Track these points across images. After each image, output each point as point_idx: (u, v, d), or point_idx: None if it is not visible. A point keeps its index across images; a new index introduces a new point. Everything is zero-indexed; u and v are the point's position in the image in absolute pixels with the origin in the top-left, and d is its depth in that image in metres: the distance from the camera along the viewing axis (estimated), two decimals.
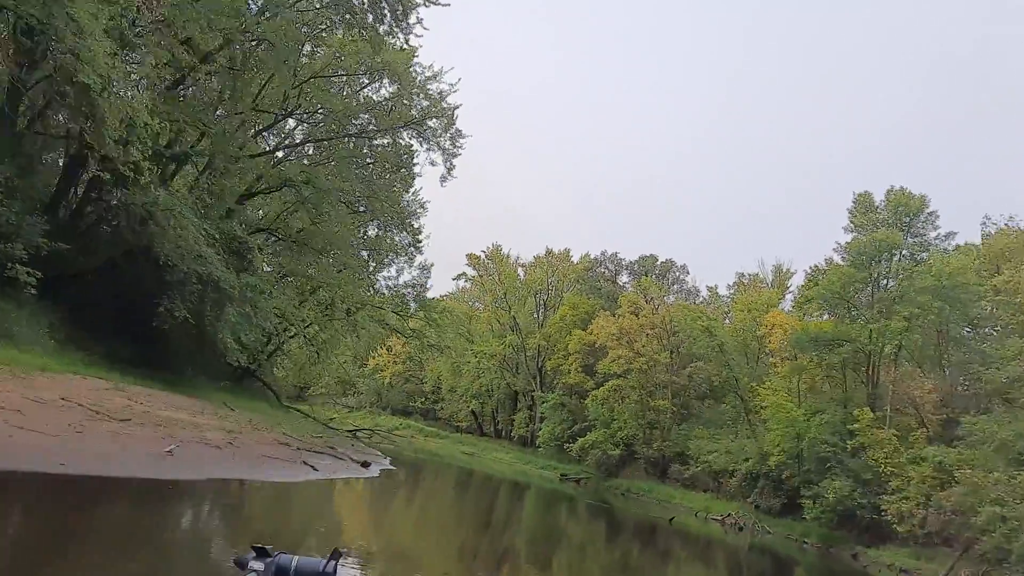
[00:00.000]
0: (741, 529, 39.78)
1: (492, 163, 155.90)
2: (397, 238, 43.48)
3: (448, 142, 33.96)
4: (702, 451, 49.74)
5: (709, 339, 46.22)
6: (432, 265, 49.81)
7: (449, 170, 34.85)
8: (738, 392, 45.94)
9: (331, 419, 52.82)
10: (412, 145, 34.93)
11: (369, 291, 41.01)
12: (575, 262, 70.83)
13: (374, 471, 27.54)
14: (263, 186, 32.20)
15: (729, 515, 41.86)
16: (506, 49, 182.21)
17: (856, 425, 36.45)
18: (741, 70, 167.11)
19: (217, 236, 24.94)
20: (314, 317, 38.18)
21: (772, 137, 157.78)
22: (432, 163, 35.28)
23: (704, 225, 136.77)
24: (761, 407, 45.32)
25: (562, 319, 64.63)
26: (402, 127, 32.91)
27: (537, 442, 64.31)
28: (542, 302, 72.37)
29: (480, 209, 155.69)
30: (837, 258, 43.32)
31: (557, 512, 39.19)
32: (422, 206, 47.11)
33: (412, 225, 43.54)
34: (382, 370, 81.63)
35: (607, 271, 67.26)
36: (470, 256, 70.59)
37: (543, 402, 64.18)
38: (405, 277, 48.18)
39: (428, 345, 45.06)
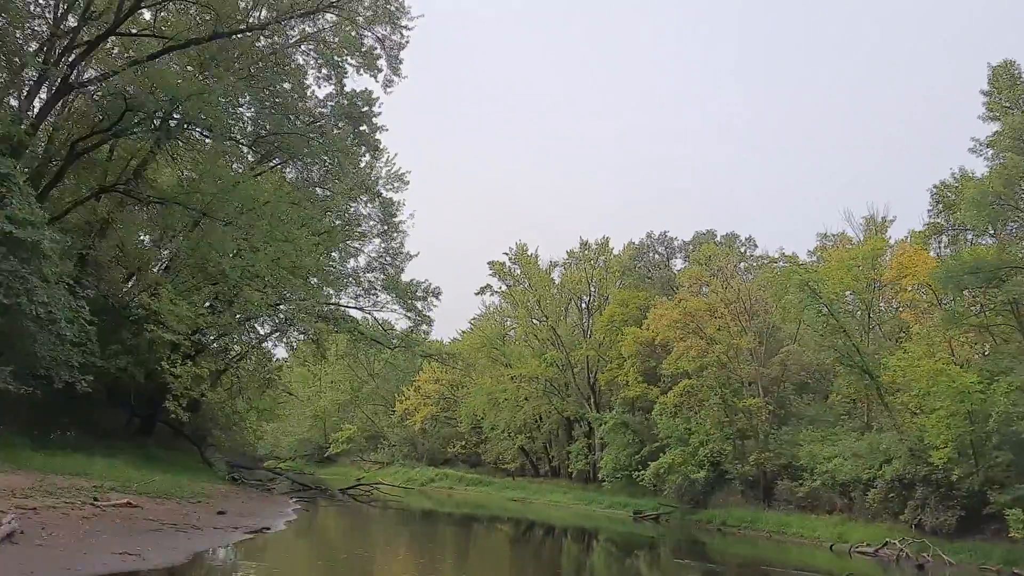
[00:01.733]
0: (921, 568, 26.48)
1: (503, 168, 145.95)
2: (364, 210, 32.67)
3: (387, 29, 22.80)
4: (817, 459, 36.77)
5: (813, 301, 33.36)
6: (416, 254, 38.18)
7: (395, 70, 23.63)
8: (863, 368, 32.82)
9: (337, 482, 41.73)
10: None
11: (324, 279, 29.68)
12: (617, 253, 58.74)
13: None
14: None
15: (886, 543, 28.71)
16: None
17: None
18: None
19: None
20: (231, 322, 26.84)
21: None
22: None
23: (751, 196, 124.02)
24: (896, 387, 32.42)
25: (610, 320, 52.40)
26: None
27: (600, 475, 51.70)
28: (585, 306, 60.19)
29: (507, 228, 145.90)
30: (978, 166, 30.81)
31: (635, 567, 27.01)
32: (400, 178, 36.17)
33: (380, 194, 32.57)
34: (411, 415, 69.94)
35: (658, 255, 55.06)
36: (493, 264, 59.17)
37: (600, 424, 51.71)
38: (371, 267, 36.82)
39: (423, 354, 33.21)
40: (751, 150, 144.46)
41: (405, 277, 37.27)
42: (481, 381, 62.20)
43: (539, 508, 49.38)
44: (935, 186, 32.92)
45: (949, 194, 32.29)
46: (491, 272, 59.32)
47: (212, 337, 27.50)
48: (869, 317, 39.51)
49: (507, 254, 58.81)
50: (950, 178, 32.84)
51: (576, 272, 59.47)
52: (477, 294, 59.74)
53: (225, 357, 31.98)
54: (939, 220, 33.34)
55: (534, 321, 61.03)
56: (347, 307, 35.67)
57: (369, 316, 36.18)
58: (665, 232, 55.42)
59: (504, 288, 60.20)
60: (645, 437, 49.53)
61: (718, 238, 54.67)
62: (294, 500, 30.56)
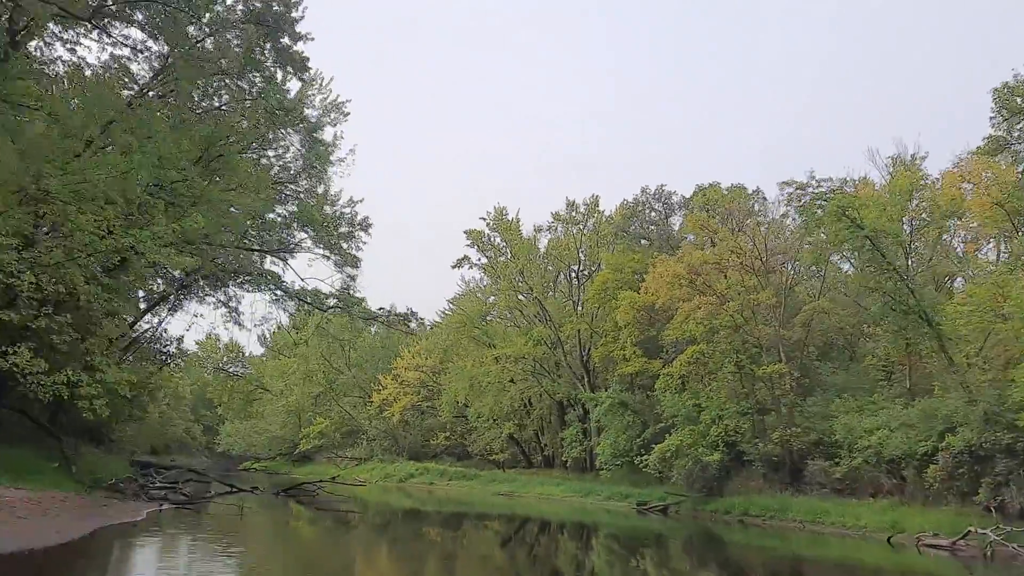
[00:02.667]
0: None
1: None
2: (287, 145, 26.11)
3: None
4: (856, 432, 30.62)
5: (854, 233, 26.80)
6: (361, 200, 31.01)
7: None
8: (920, 314, 26.33)
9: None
10: None
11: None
12: (609, 214, 52.35)
13: None
14: None
15: (968, 532, 22.46)
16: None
17: None
18: None
19: None
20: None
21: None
22: None
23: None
24: (960, 338, 26.21)
25: (603, 288, 46.03)
26: None
27: (597, 463, 45.49)
28: (574, 276, 53.84)
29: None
30: None
31: (642, 570, 20.95)
32: (338, 108, 29.60)
33: (305, 118, 26.15)
34: (389, 405, 63.56)
35: (655, 212, 48.64)
36: (470, 233, 52.69)
37: (596, 406, 45.45)
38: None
39: (365, 316, 26.99)
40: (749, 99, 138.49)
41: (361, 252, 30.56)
42: (462, 364, 55.87)
43: (529, 502, 43.16)
44: (996, 89, 26.60)
45: (1017, 99, 26.02)
46: (468, 242, 52.96)
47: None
48: (908, 262, 33.19)
49: (484, 219, 52.43)
50: (1013, 79, 26.57)
51: (563, 238, 53.08)
52: (454, 267, 53.24)
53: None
54: (1003, 133, 27.00)
55: (519, 296, 54.68)
56: (251, 249, 27.51)
57: (281, 262, 28.30)
58: (662, 186, 48.97)
59: (484, 260, 53.75)
60: (647, 417, 43.33)
61: (724, 191, 48.14)
62: (165, 507, 23.74)
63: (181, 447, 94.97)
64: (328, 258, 28.24)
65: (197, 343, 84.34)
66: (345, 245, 28.69)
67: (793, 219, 39.53)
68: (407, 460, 61.00)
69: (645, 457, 37.96)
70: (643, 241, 49.55)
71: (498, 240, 52.89)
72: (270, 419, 75.02)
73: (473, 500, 44.60)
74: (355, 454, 66.02)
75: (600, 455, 44.16)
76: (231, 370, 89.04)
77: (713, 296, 34.38)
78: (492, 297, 59.09)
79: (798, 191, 27.70)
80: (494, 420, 56.41)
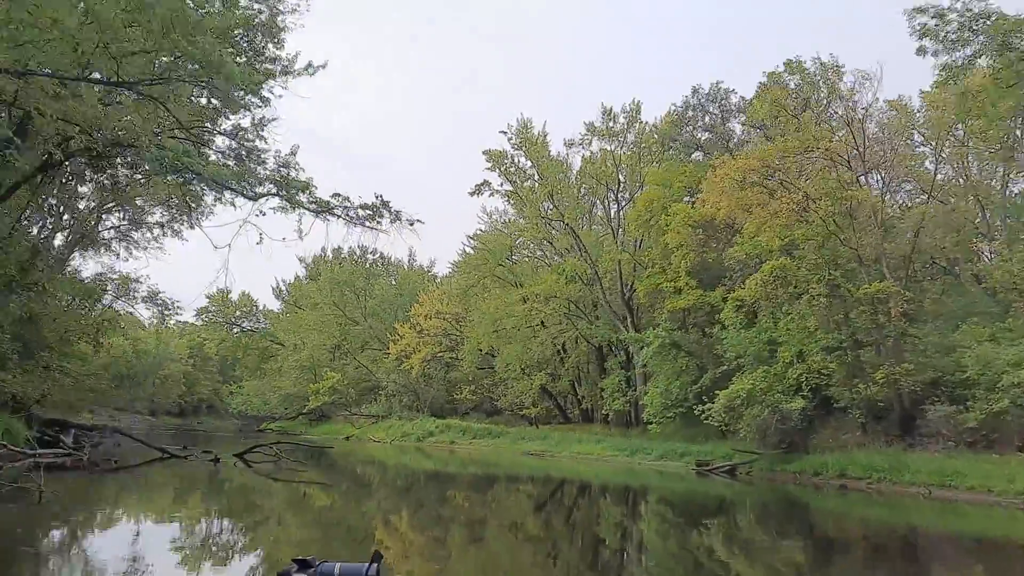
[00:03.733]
0: None
1: None
2: None
3: None
4: (995, 367, 22.92)
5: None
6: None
7: None
8: None
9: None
10: None
11: None
12: (654, 123, 44.27)
13: None
14: None
15: None
16: None
17: None
18: None
19: None
20: None
21: None
22: None
23: None
24: None
25: (648, 208, 38.32)
26: None
27: (644, 417, 38.26)
28: (613, 198, 46.04)
29: None
30: None
31: (707, 547, 13.78)
32: None
33: None
34: (408, 357, 56.82)
35: (711, 117, 40.24)
36: (490, 155, 45.02)
37: (641, 348, 38.08)
38: None
39: (317, 209, 19.30)
40: None
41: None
42: (485, 307, 48.75)
43: (564, 463, 36.17)
44: None
45: None
46: (488, 164, 45.30)
47: None
48: None
49: (506, 133, 44.62)
50: None
51: (599, 156, 45.17)
52: (472, 194, 45.67)
53: None
54: None
55: (548, 227, 47.16)
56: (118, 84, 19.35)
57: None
58: (718, 84, 40.20)
59: (506, 186, 46.11)
60: (704, 360, 35.95)
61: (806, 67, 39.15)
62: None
63: (209, 408, 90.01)
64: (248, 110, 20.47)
65: (207, 296, 78.86)
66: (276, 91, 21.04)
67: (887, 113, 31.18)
68: (428, 417, 54.36)
69: (708, 406, 30.49)
70: (695, 154, 41.45)
71: (522, 160, 45.22)
72: (284, 376, 69.09)
73: (500, 461, 37.78)
74: (372, 411, 59.63)
75: (648, 406, 36.94)
76: (244, 325, 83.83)
77: (798, 195, 26.44)
78: (518, 237, 51.54)
79: (936, 21, 19.39)
80: (523, 370, 49.46)
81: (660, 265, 38.95)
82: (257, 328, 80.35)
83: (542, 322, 47.34)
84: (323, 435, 60.39)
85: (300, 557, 2.61)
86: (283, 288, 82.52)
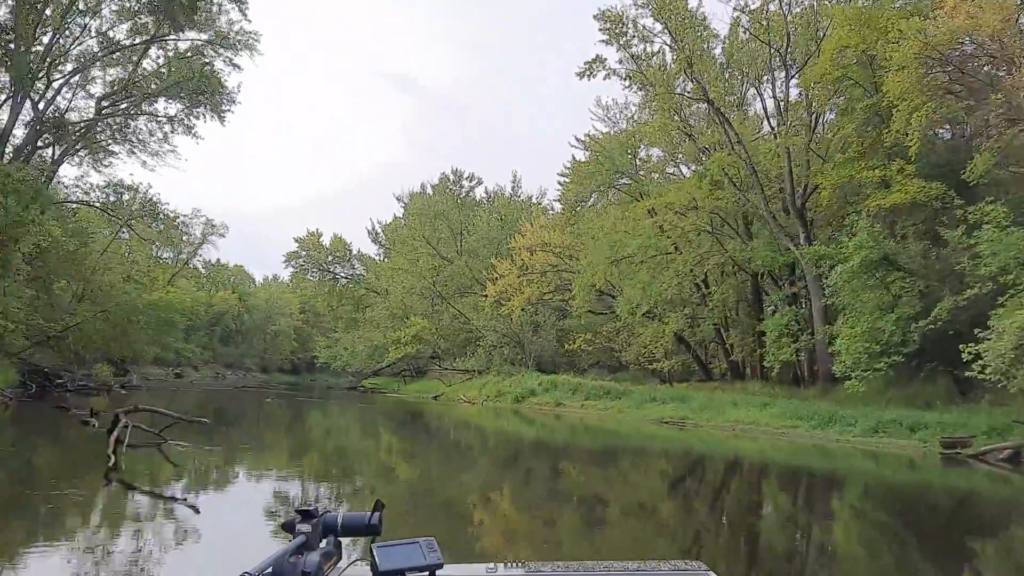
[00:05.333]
0: None
1: None
2: None
3: None
4: None
5: None
6: None
7: None
8: None
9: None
10: None
11: None
12: None
13: None
14: None
15: None
16: None
17: None
18: None
19: None
20: None
21: None
22: None
23: None
24: None
25: (834, 62, 25.56)
26: None
27: (833, 368, 26.11)
28: (780, 64, 32.98)
29: None
30: None
31: None
32: None
33: None
34: (508, 299, 46.35)
35: None
36: (604, 17, 33.05)
37: (830, 267, 25.78)
38: None
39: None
40: None
41: None
42: (600, 226, 37.35)
43: (717, 438, 24.60)
44: None
45: None
46: (602, 29, 33.48)
47: None
48: None
49: None
50: None
51: (756, 10, 32.35)
52: (582, 75, 33.77)
53: None
54: None
55: (684, 114, 34.97)
56: None
57: None
58: None
59: (627, 60, 34.13)
60: (935, 282, 23.37)
61: None
62: None
63: (325, 366, 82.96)
64: None
65: (296, 240, 71.40)
66: None
67: None
68: (532, 372, 43.85)
69: (975, 347, 18.11)
70: None
71: (648, 22, 33.06)
72: (374, 327, 60.55)
73: (622, 429, 26.79)
74: (468, 365, 49.80)
75: (841, 355, 24.70)
76: (337, 271, 76.05)
77: None
78: (642, 139, 39.39)
79: None
80: (652, 312, 37.89)
81: (855, 148, 26.32)
82: (348, 274, 72.41)
83: (676, 246, 35.49)
84: (416, 392, 51.31)
85: (304, 508, 1.78)
86: (379, 231, 73.87)
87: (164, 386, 47.90)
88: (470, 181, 60.31)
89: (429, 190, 64.02)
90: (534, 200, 60.74)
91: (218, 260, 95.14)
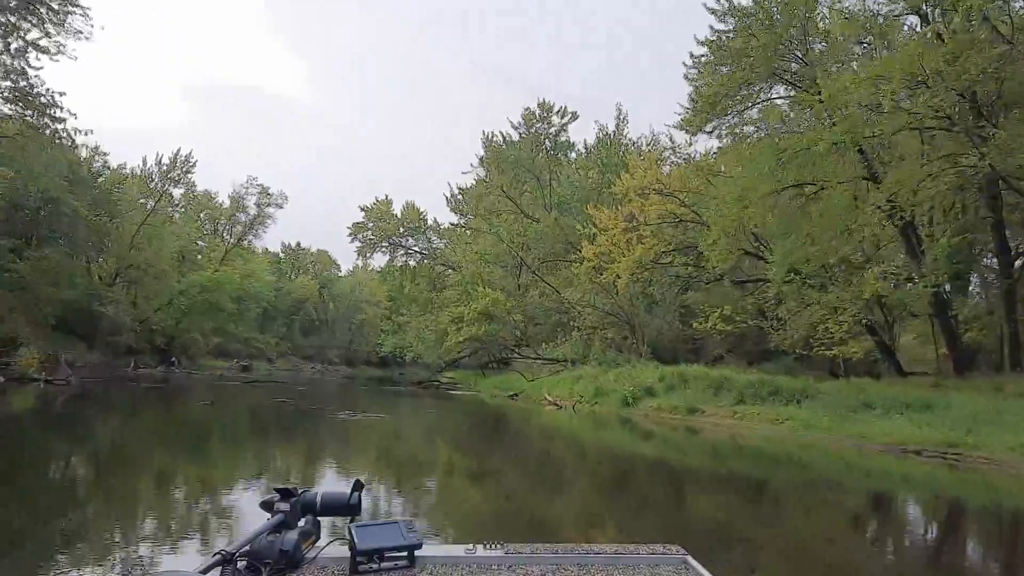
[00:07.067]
0: None
1: None
2: None
3: None
4: None
5: None
6: None
7: None
8: None
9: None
10: None
11: None
12: None
13: None
14: None
15: None
16: None
17: None
18: None
19: None
20: None
21: None
22: None
23: None
24: None
25: None
26: None
27: None
28: None
29: None
30: None
31: None
32: None
33: None
34: (609, 263, 33.77)
35: None
36: None
37: None
38: None
39: None
40: None
41: None
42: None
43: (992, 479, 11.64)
44: None
45: None
46: None
47: None
48: None
49: None
50: None
51: None
52: None
53: None
54: None
55: None
56: None
57: None
58: None
59: None
60: None
61: None
62: None
63: (417, 358, 72.71)
64: None
65: (361, 208, 61.06)
66: None
67: None
68: (647, 362, 31.26)
69: None
70: None
71: None
72: (443, 308, 49.14)
73: (836, 466, 14.16)
74: (557, 354, 37.71)
75: None
76: (409, 244, 65.45)
77: None
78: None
79: None
80: (830, 273, 24.59)
81: None
82: (423, 249, 61.66)
83: (873, 175, 22.14)
84: (492, 388, 39.62)
85: (282, 487, 1.84)
86: (459, 198, 62.42)
87: (192, 381, 38.01)
88: (561, 117, 47.46)
89: (511, 132, 51.51)
90: (646, 144, 47.26)
91: (298, 244, 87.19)
